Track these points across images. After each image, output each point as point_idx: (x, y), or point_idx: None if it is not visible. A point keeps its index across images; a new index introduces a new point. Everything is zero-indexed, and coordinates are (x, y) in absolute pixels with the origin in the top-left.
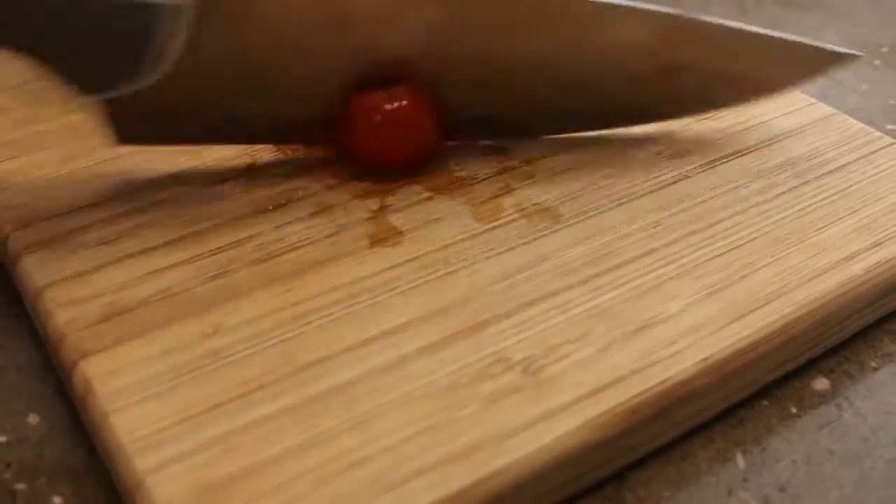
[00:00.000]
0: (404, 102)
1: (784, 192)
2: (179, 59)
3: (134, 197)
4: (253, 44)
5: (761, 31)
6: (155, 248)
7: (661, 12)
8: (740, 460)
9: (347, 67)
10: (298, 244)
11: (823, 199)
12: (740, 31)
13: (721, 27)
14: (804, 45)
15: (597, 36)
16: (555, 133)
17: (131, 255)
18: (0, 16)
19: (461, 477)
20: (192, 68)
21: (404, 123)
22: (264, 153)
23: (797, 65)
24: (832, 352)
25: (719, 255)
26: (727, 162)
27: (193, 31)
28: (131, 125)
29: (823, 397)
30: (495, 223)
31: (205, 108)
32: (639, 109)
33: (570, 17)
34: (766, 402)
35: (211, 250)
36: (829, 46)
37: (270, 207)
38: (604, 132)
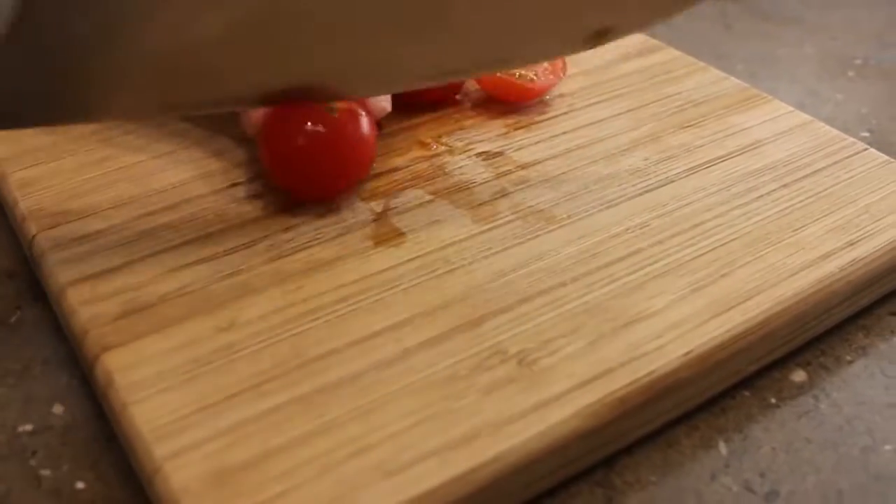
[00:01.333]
0: (322, 130)
1: (763, 195)
2: (15, 14)
3: (151, 201)
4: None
5: None
6: (171, 249)
7: None
8: (722, 447)
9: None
10: (307, 244)
11: (801, 201)
12: None
13: None
14: None
15: None
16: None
17: (149, 256)
18: None
19: (460, 463)
20: (32, 26)
21: (324, 152)
22: None
23: None
24: (809, 345)
25: (702, 254)
26: (710, 167)
27: None
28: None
29: (801, 388)
30: (492, 224)
31: (57, 77)
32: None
33: None
34: (746, 393)
35: (225, 250)
36: None
37: (280, 210)
38: (594, 133)
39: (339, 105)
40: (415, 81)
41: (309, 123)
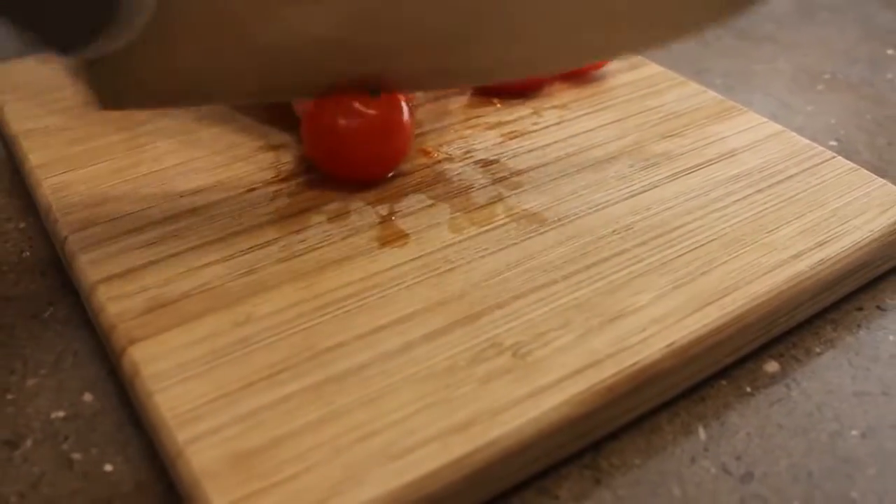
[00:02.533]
0: (369, 112)
1: (739, 199)
2: (152, 15)
3: (174, 204)
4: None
5: None
6: (193, 249)
7: None
8: (702, 433)
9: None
10: (318, 245)
11: (773, 205)
12: None
13: None
14: None
15: None
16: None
17: (172, 255)
18: None
19: (459, 447)
20: (165, 26)
21: (364, 139)
22: (288, 165)
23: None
24: (781, 338)
25: (683, 254)
26: (690, 173)
27: None
28: (112, 88)
29: (774, 378)
30: (489, 227)
31: (183, 68)
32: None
33: None
34: (724, 382)
35: (242, 250)
36: None
37: (293, 213)
38: (583, 142)
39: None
40: (466, 81)
41: (354, 107)
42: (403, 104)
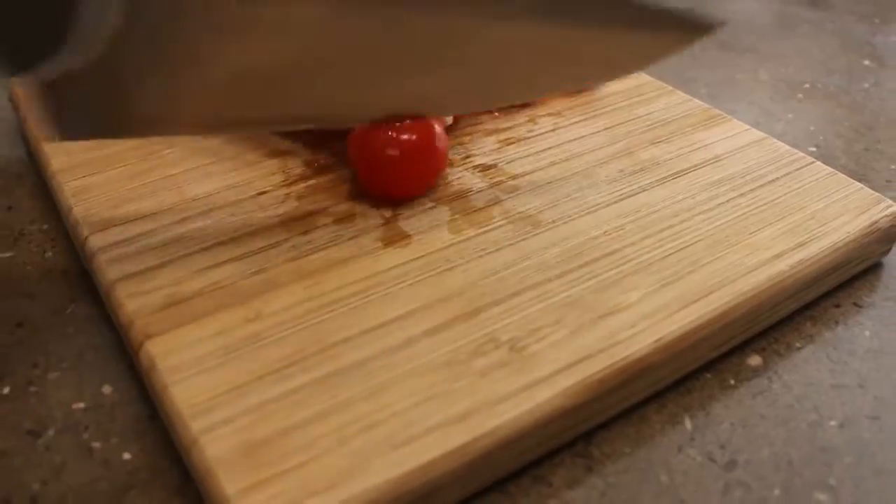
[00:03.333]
0: (409, 139)
1: (724, 203)
2: (111, 37)
3: (189, 207)
4: (185, 20)
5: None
6: (206, 249)
7: None
8: (688, 423)
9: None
10: (325, 245)
11: (756, 208)
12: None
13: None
14: (672, 15)
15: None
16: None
17: (186, 255)
18: None
19: (459, 436)
20: (125, 47)
21: (407, 162)
22: (296, 170)
23: (672, 34)
24: (764, 333)
25: (670, 255)
26: (677, 178)
27: (124, 4)
28: (70, 116)
29: (756, 371)
30: (486, 228)
31: (145, 93)
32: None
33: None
34: (709, 375)
35: (252, 251)
36: (697, 16)
37: (301, 215)
38: (576, 148)
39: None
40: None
41: (398, 134)
42: (436, 129)
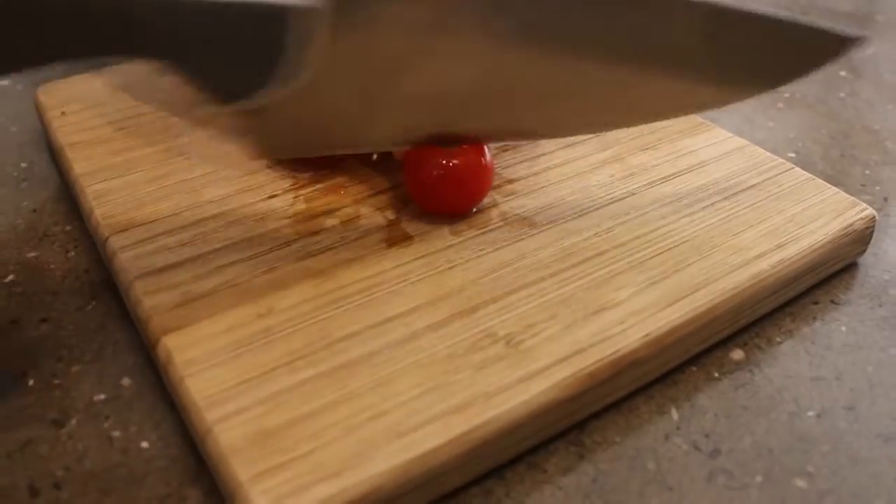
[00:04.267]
0: (457, 162)
1: (708, 206)
2: (315, 67)
3: (204, 209)
4: (385, 48)
5: (790, 17)
6: (220, 249)
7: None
8: (674, 413)
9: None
10: (332, 245)
11: (739, 211)
12: (776, 17)
13: (758, 14)
14: (822, 30)
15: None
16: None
17: (202, 255)
18: (139, 29)
19: (458, 426)
20: (327, 76)
21: (456, 182)
22: (305, 174)
23: (818, 49)
24: (746, 329)
25: (658, 254)
26: (664, 182)
27: (327, 35)
28: (269, 137)
29: (739, 364)
30: (485, 229)
31: (340, 118)
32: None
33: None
34: (694, 368)
35: (264, 250)
36: (840, 30)
37: (310, 217)
38: (569, 154)
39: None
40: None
41: (449, 155)
42: (484, 152)
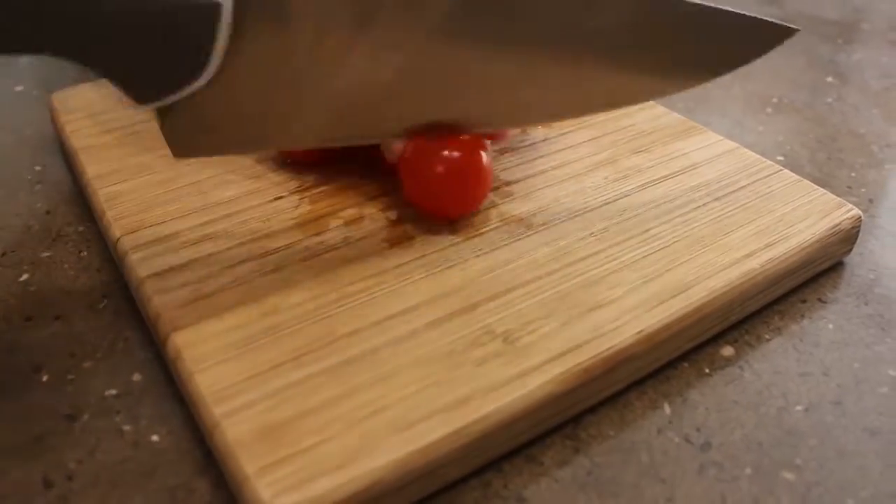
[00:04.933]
0: (458, 156)
1: (700, 207)
2: (221, 62)
3: (211, 211)
4: (293, 43)
5: (722, 7)
6: (227, 249)
7: None
8: (667, 408)
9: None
10: (336, 245)
11: (729, 211)
12: (708, 8)
13: (691, 4)
14: (759, 21)
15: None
16: (561, 117)
17: (210, 255)
18: (53, 27)
19: (458, 420)
20: (234, 73)
21: (455, 187)
22: (310, 178)
23: (755, 39)
24: (736, 326)
25: (651, 254)
26: (657, 184)
27: (233, 32)
28: (185, 137)
29: (729, 361)
30: (483, 230)
31: (252, 115)
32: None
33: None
34: (686, 364)
35: (269, 250)
36: (774, 21)
37: (314, 218)
38: (565, 156)
39: (468, 137)
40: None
41: (447, 154)
42: (482, 151)
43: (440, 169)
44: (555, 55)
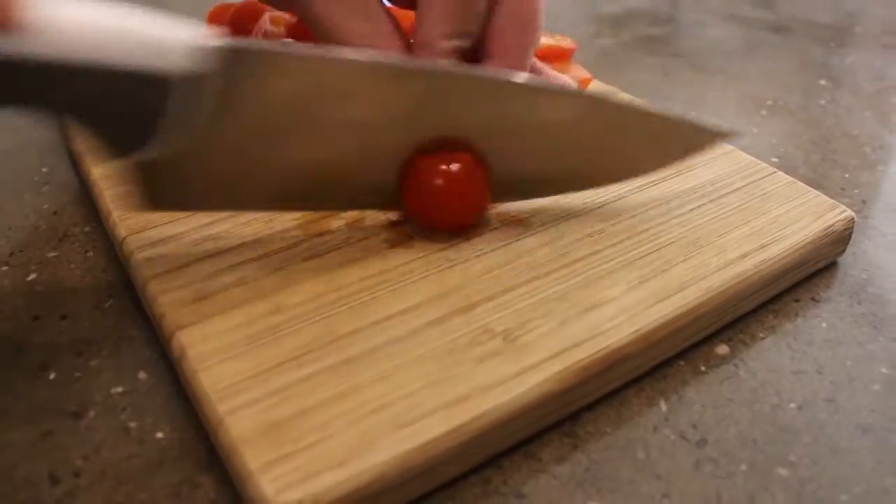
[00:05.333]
0: (457, 169)
1: (695, 208)
2: (200, 128)
3: (214, 213)
4: (270, 114)
5: (659, 110)
6: (231, 249)
7: (583, 94)
8: (663, 405)
9: (362, 143)
10: (338, 246)
11: (724, 213)
12: (644, 110)
13: (630, 106)
14: (695, 125)
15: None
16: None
17: (214, 255)
18: (28, 84)
19: (457, 417)
20: (212, 137)
21: (456, 192)
22: None
23: (689, 140)
24: (731, 325)
25: (647, 254)
26: (653, 186)
27: (214, 102)
28: (154, 190)
29: (724, 359)
30: (483, 230)
31: (220, 179)
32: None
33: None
34: (682, 362)
35: (273, 250)
36: (712, 126)
37: (316, 219)
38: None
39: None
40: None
41: (446, 170)
42: (478, 169)
43: (435, 185)
44: (502, 145)
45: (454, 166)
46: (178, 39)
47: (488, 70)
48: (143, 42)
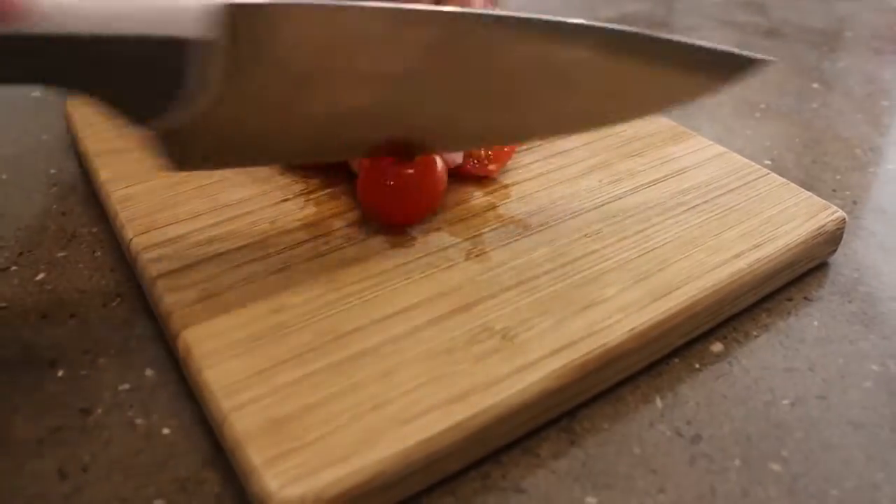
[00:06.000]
0: (410, 172)
1: (690, 209)
2: (215, 92)
3: (220, 212)
4: (286, 71)
5: (688, 40)
6: (236, 250)
7: (605, 28)
8: (658, 402)
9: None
10: (340, 246)
11: (718, 213)
12: (673, 41)
13: (657, 37)
14: (727, 52)
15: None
16: (538, 138)
17: (219, 255)
18: (46, 60)
19: (458, 413)
20: (227, 102)
21: (408, 191)
22: (315, 181)
23: (720, 71)
24: (725, 323)
25: (644, 254)
26: (649, 187)
27: (224, 65)
28: (180, 153)
29: (719, 356)
30: (482, 231)
31: (244, 137)
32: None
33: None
34: (677, 360)
35: (276, 250)
36: (746, 53)
37: (319, 219)
38: (560, 160)
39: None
40: (481, 143)
41: (392, 170)
42: (436, 164)
43: (393, 179)
44: (527, 84)
45: (404, 171)
46: (189, 3)
47: (499, 11)
48: (154, 8)
